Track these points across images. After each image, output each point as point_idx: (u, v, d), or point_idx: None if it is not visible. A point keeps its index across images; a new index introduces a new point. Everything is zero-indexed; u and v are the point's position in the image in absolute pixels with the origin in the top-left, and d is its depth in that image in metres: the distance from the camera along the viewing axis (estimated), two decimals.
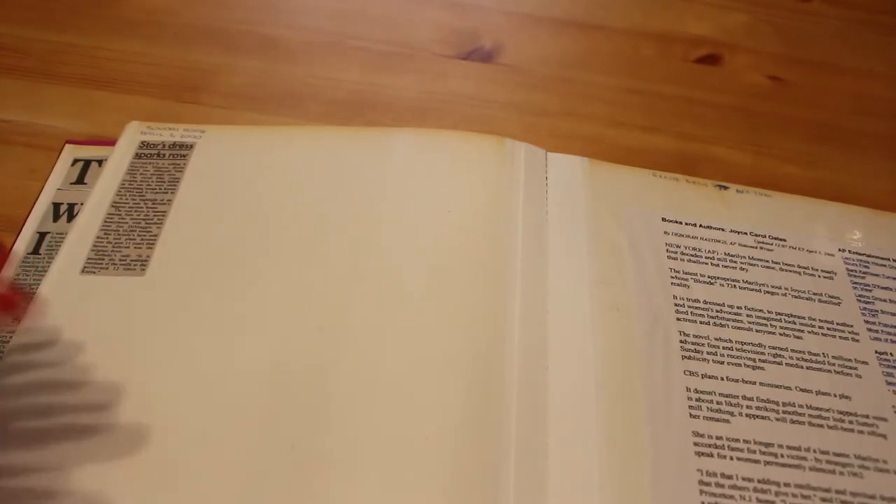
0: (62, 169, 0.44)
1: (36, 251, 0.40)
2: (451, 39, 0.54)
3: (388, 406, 0.33)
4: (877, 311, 0.41)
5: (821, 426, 0.35)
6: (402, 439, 0.32)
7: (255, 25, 0.53)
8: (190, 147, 0.43)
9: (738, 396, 0.36)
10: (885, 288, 0.42)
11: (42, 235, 0.41)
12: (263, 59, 0.50)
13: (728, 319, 0.39)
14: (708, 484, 0.33)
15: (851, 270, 0.42)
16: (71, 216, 0.42)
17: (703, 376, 0.36)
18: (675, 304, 0.39)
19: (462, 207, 0.40)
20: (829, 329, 0.39)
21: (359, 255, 0.38)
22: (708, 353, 0.37)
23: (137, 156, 0.43)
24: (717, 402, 0.35)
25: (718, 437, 0.34)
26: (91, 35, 0.51)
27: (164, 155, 0.44)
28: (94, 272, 0.38)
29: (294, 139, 0.44)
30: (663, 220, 0.42)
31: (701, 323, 0.38)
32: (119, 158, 0.43)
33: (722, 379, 0.36)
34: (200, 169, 0.42)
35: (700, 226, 0.42)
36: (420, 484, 0.31)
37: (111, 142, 0.44)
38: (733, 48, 0.56)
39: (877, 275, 0.42)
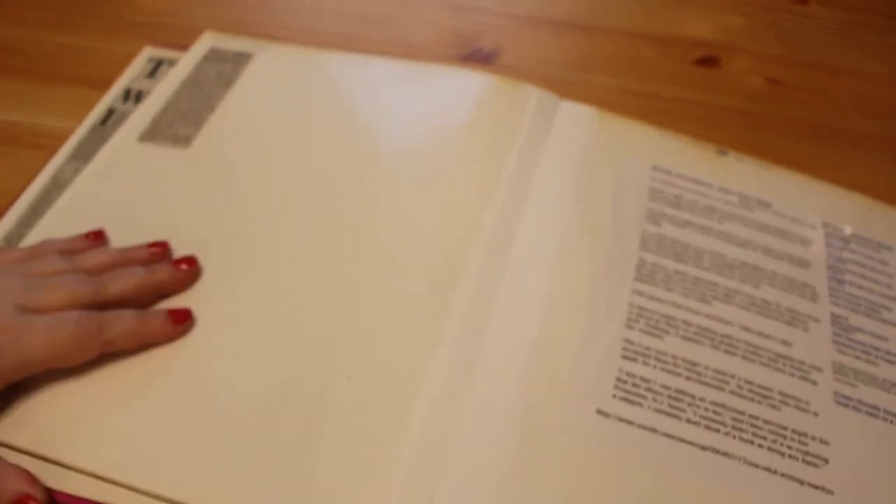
0: (139, 65, 0.51)
1: (104, 123, 0.47)
2: (451, 41, 0.55)
3: (373, 264, 0.38)
4: (844, 281, 0.42)
5: (753, 361, 0.37)
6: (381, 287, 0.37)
7: (255, 26, 0.54)
8: (250, 56, 0.50)
9: (678, 319, 0.38)
10: (860, 265, 0.43)
11: (111, 112, 0.48)
12: None
13: (690, 258, 0.41)
14: (624, 382, 0.36)
15: (830, 244, 0.43)
16: (138, 100, 0.48)
17: (651, 298, 0.39)
18: (643, 237, 0.41)
19: (468, 136, 0.45)
20: (789, 285, 0.41)
21: (368, 164, 0.43)
22: (661, 280, 0.40)
23: (205, 58, 0.50)
24: (656, 320, 0.38)
25: (647, 348, 0.37)
26: (92, 36, 0.52)
27: (227, 59, 0.50)
28: (148, 141, 0.44)
29: (338, 64, 0.49)
30: (654, 168, 0.45)
31: (663, 256, 0.41)
32: (189, 59, 0.49)
33: (668, 303, 0.39)
34: (254, 76, 0.48)
35: (689, 179, 0.45)
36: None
37: (186, 48, 0.50)
38: (732, 50, 0.57)
39: (855, 253, 0.43)
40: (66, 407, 0.32)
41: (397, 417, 0.33)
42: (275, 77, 0.48)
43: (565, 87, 0.49)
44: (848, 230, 0.44)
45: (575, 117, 0.47)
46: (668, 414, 0.35)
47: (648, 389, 0.35)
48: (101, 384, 0.33)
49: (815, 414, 0.36)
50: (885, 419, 0.36)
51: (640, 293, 0.39)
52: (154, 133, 0.44)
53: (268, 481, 0.30)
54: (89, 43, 0.52)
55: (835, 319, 0.40)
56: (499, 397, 0.34)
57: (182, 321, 0.35)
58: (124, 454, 0.31)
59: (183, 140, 0.44)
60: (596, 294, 0.38)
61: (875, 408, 0.37)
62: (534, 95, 0.47)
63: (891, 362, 0.39)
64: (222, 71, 0.49)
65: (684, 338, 0.37)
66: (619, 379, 0.35)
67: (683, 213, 0.43)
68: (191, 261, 0.37)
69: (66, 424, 0.31)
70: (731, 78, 0.55)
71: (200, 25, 0.52)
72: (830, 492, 0.34)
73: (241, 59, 0.49)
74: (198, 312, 0.35)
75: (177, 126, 0.45)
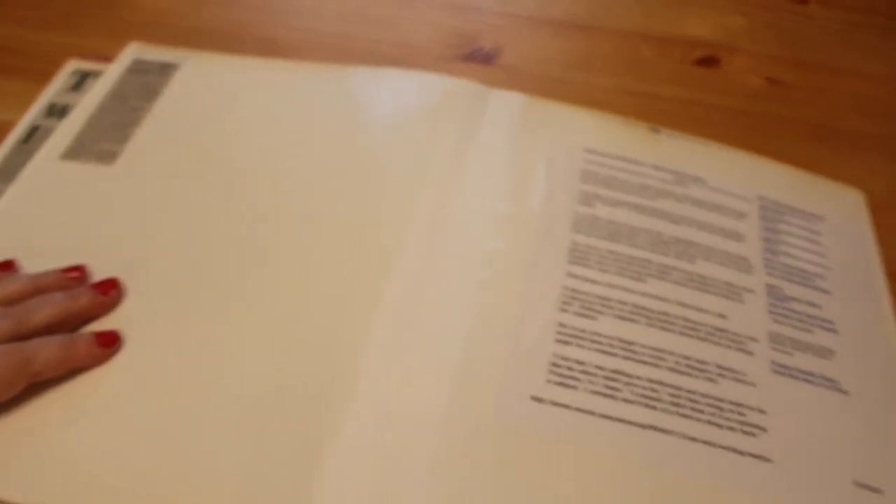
0: (63, 79, 0.50)
1: (27, 141, 0.46)
2: (451, 41, 0.54)
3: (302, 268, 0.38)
4: (778, 252, 0.42)
5: (689, 336, 0.37)
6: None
7: (256, 27, 0.53)
8: (175, 67, 0.49)
9: (612, 300, 0.38)
10: (794, 236, 0.43)
11: (35, 129, 0.47)
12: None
13: (623, 237, 0.41)
14: (558, 366, 0.35)
15: (765, 216, 0.44)
16: (63, 116, 0.47)
17: (584, 279, 0.39)
18: (575, 219, 0.41)
19: (399, 133, 0.44)
20: (724, 259, 0.41)
21: (296, 170, 0.43)
22: (595, 262, 0.40)
23: (130, 70, 0.49)
24: (590, 302, 0.38)
25: (582, 330, 0.37)
26: (93, 36, 0.52)
27: (151, 71, 0.49)
28: (72, 159, 0.43)
29: (264, 71, 0.48)
30: (586, 150, 0.45)
31: (596, 237, 0.41)
32: (114, 71, 0.48)
33: (602, 284, 0.39)
34: (180, 86, 0.47)
35: (622, 159, 0.45)
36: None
37: (110, 59, 0.49)
38: (732, 50, 0.56)
39: (787, 222, 0.44)
40: None
41: (331, 417, 0.32)
42: (201, 87, 0.47)
43: (565, 86, 0.50)
44: (782, 199, 0.44)
45: (507, 105, 0.47)
46: (604, 395, 0.34)
47: (583, 372, 0.35)
48: (32, 414, 0.32)
49: (753, 384, 0.36)
50: (820, 385, 0.37)
51: (574, 276, 0.39)
52: (78, 150, 0.43)
53: (205, 495, 0.30)
54: (89, 43, 0.51)
55: (770, 290, 0.40)
56: (432, 389, 0.34)
57: (110, 344, 0.34)
58: (59, 482, 0.30)
59: (108, 156, 0.43)
60: (527, 280, 0.38)
61: (811, 374, 0.37)
62: (464, 88, 0.47)
63: (825, 329, 0.39)
64: (147, 83, 0.48)
65: (619, 317, 0.37)
66: (553, 364, 0.35)
67: (616, 192, 0.43)
68: (112, 283, 0.36)
69: None
70: (731, 78, 0.54)
71: (200, 26, 0.52)
72: (769, 460, 0.34)
73: (167, 69, 0.49)
74: (127, 333, 0.35)
75: (101, 142, 0.44)
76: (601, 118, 0.47)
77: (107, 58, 0.49)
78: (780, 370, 0.37)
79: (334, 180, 0.42)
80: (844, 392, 0.37)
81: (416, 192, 0.41)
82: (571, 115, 0.47)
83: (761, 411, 0.35)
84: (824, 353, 0.38)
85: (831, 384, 0.37)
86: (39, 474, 0.30)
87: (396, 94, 0.47)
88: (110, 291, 0.35)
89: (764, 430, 0.35)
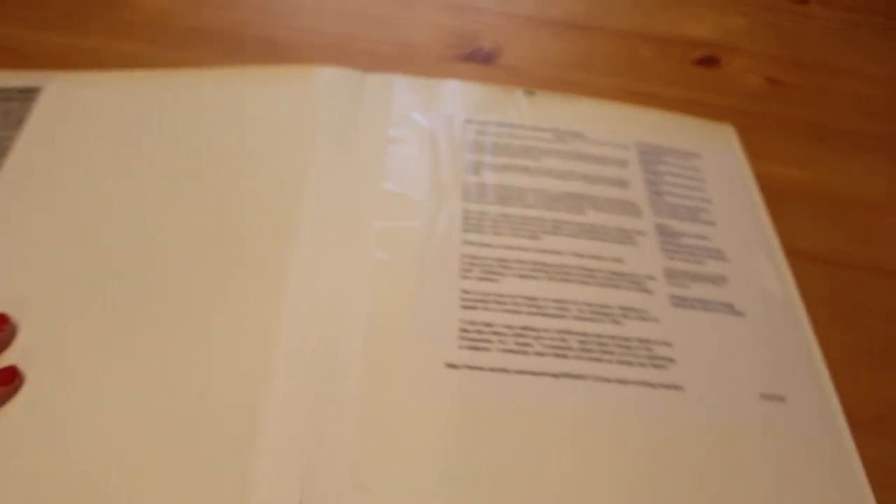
0: None
1: None
2: (451, 41, 0.53)
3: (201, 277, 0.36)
4: (662, 192, 0.44)
5: (589, 283, 0.38)
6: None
7: (256, 27, 0.53)
8: (37, 90, 0.46)
9: (510, 261, 0.38)
10: (673, 174, 0.45)
11: None
12: (265, 60, 0.50)
13: (513, 199, 0.41)
14: (468, 331, 0.35)
15: (644, 159, 0.45)
16: None
17: (481, 245, 0.39)
18: (464, 189, 0.42)
19: (277, 129, 0.43)
20: (612, 206, 0.42)
21: (180, 182, 0.41)
22: (489, 227, 0.40)
23: None
24: (489, 266, 0.38)
25: (486, 294, 0.37)
26: (93, 37, 0.51)
27: (11, 97, 0.46)
28: None
29: (131, 83, 0.47)
30: (467, 121, 0.45)
31: (487, 203, 0.41)
32: None
33: (499, 247, 0.39)
34: (46, 108, 0.45)
35: (502, 124, 0.45)
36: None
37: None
38: (732, 50, 0.56)
39: (667, 163, 0.45)
40: None
41: (249, 417, 0.31)
42: (70, 108, 0.45)
43: (565, 86, 0.50)
44: (656, 141, 0.46)
45: (382, 87, 0.47)
46: (515, 352, 0.35)
47: (493, 333, 0.35)
48: None
49: (656, 320, 0.37)
50: (718, 310, 0.38)
51: (470, 242, 0.39)
52: None
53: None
54: (90, 43, 0.50)
55: (660, 229, 0.41)
56: (345, 369, 0.33)
57: (9, 381, 0.32)
58: None
59: None
60: (424, 254, 0.38)
61: (708, 302, 0.38)
62: (337, 75, 0.46)
63: (715, 258, 0.41)
64: (9, 110, 0.45)
65: (520, 276, 0.38)
66: (462, 329, 0.35)
67: (501, 157, 0.43)
68: (2, 319, 0.34)
69: None
70: (731, 78, 0.54)
71: (200, 26, 0.51)
72: (681, 388, 0.35)
73: (28, 94, 0.46)
74: (26, 367, 0.33)
75: None
76: (478, 88, 0.48)
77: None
78: (680, 302, 0.38)
79: (214, 183, 0.41)
80: (741, 314, 0.38)
81: (301, 182, 0.40)
82: (447, 89, 0.47)
83: (667, 344, 0.36)
84: (717, 280, 0.39)
85: (728, 308, 0.38)
86: None
87: (270, 90, 0.46)
88: (2, 327, 0.33)
89: (672, 360, 0.36)
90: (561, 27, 0.56)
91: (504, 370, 0.34)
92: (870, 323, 0.39)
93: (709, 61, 0.55)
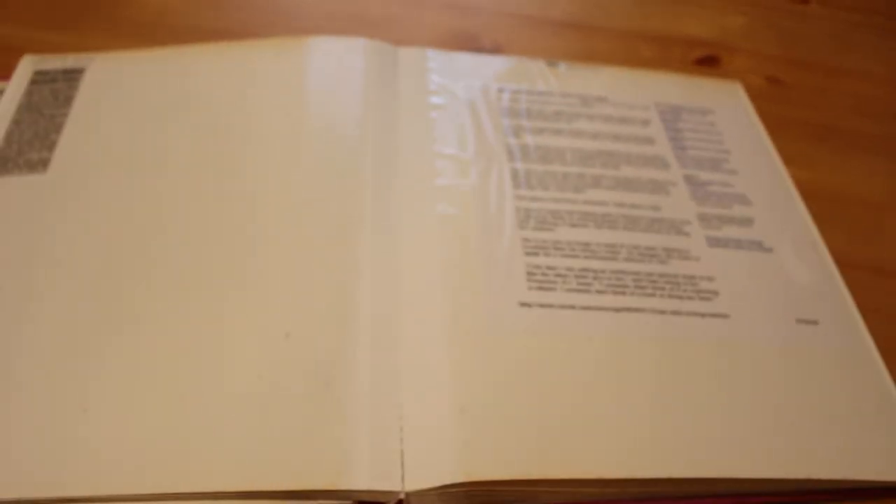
0: None
1: None
2: (451, 40, 0.54)
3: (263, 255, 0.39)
4: (686, 147, 0.47)
5: (633, 229, 0.42)
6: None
7: (256, 27, 0.53)
8: (81, 71, 0.48)
9: (561, 212, 0.42)
10: (692, 130, 0.48)
11: None
12: None
13: (555, 158, 0.45)
14: (534, 274, 0.39)
15: (664, 118, 0.49)
16: None
17: (532, 199, 0.42)
18: (508, 150, 0.45)
19: (319, 102, 0.46)
20: (643, 162, 0.46)
21: (229, 158, 0.43)
22: (536, 183, 0.43)
23: (33, 82, 0.47)
24: (543, 217, 0.41)
25: (544, 241, 0.40)
26: (93, 37, 0.51)
27: (57, 79, 0.48)
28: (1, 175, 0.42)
29: (173, 59, 0.48)
30: (500, 90, 0.48)
31: (531, 162, 0.44)
32: (16, 86, 0.47)
33: (548, 200, 0.42)
34: (92, 86, 0.46)
35: (532, 93, 0.49)
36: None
37: (7, 76, 0.48)
38: (732, 50, 0.56)
39: (686, 121, 0.49)
40: None
41: (339, 355, 0.34)
42: (115, 85, 0.47)
43: None
44: (675, 101, 0.49)
45: (417, 58, 0.49)
46: (579, 291, 0.38)
47: (557, 275, 0.39)
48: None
49: (697, 258, 0.41)
50: (749, 248, 0.42)
51: (522, 197, 0.42)
52: (5, 164, 0.42)
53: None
54: (92, 42, 0.50)
55: (688, 179, 0.45)
56: (428, 311, 0.36)
57: None
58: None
59: (39, 165, 0.42)
60: (482, 208, 0.41)
61: (739, 241, 0.42)
62: (372, 46, 0.49)
63: (740, 202, 0.45)
64: (57, 90, 0.47)
65: (571, 225, 0.41)
66: (529, 273, 0.38)
67: (536, 122, 0.47)
68: None
69: None
70: (731, 78, 0.53)
71: (201, 26, 0.52)
72: (727, 315, 0.39)
73: (72, 74, 0.48)
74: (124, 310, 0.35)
75: (27, 153, 0.43)
76: (504, 60, 0.51)
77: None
78: (715, 243, 0.42)
79: (275, 155, 0.43)
80: (769, 249, 0.42)
81: (361, 146, 0.43)
82: (473, 61, 0.50)
83: (710, 279, 0.40)
84: (745, 222, 0.43)
85: (757, 245, 0.42)
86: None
87: (309, 64, 0.48)
88: None
89: (716, 293, 0.39)
90: (560, 27, 0.57)
91: (571, 307, 0.37)
92: (870, 323, 0.39)
93: (709, 61, 0.56)
